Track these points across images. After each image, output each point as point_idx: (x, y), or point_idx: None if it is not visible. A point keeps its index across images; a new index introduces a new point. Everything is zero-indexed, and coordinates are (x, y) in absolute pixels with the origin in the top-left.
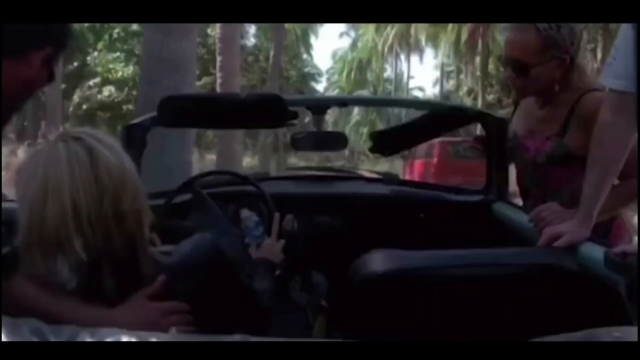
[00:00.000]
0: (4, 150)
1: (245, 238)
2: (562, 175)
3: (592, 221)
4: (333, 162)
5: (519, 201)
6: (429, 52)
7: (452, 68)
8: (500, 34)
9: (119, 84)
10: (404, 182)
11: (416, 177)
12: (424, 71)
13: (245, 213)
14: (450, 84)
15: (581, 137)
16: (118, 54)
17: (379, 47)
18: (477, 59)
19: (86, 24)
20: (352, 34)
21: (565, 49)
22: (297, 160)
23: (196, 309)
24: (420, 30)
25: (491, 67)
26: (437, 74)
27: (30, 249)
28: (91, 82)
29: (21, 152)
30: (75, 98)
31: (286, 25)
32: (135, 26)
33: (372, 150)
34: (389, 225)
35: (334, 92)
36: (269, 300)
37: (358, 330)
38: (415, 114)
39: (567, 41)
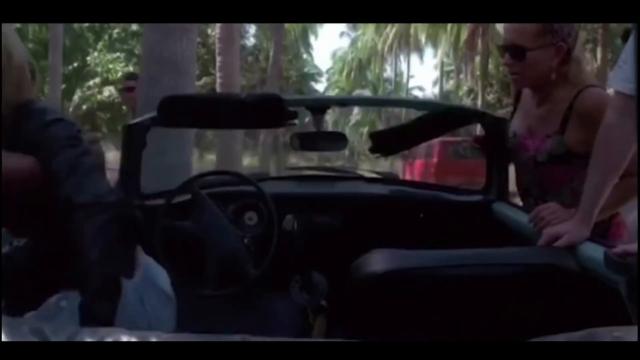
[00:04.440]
0: None
1: (245, 238)
2: (563, 173)
3: (592, 221)
4: (333, 162)
5: (519, 201)
6: (428, 52)
7: (451, 68)
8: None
9: (119, 84)
10: (404, 182)
11: (416, 177)
12: (424, 71)
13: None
14: (450, 84)
15: (581, 134)
16: (118, 54)
17: (379, 47)
18: (477, 59)
19: (86, 24)
20: (352, 34)
21: (563, 37)
22: (297, 160)
23: None
24: (420, 30)
25: (491, 67)
26: (437, 73)
27: None
28: (91, 82)
29: None
30: (75, 98)
31: (286, 25)
32: (135, 26)
33: (372, 150)
34: (389, 225)
35: (334, 92)
36: None
37: (358, 330)
38: (415, 114)
39: (564, 30)
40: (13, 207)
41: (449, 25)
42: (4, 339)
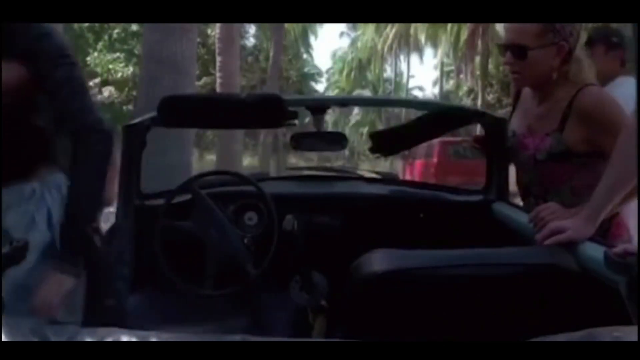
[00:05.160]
0: None
1: (245, 238)
2: (563, 172)
3: (597, 221)
4: (333, 162)
5: (519, 201)
6: (428, 52)
7: (451, 68)
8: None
9: (119, 84)
10: (404, 182)
11: (416, 177)
12: (424, 71)
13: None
14: (450, 84)
15: (580, 132)
16: (118, 54)
17: (379, 47)
18: (477, 59)
19: (86, 24)
20: (352, 34)
21: (564, 37)
22: (297, 160)
23: None
24: (420, 30)
25: (491, 67)
26: (437, 73)
27: None
28: (91, 83)
29: None
30: None
31: (286, 25)
32: (135, 26)
33: (372, 150)
34: (389, 225)
35: (334, 92)
36: None
37: (358, 330)
38: (415, 114)
39: (566, 29)
40: (9, 116)
41: (449, 25)
42: (4, 339)
